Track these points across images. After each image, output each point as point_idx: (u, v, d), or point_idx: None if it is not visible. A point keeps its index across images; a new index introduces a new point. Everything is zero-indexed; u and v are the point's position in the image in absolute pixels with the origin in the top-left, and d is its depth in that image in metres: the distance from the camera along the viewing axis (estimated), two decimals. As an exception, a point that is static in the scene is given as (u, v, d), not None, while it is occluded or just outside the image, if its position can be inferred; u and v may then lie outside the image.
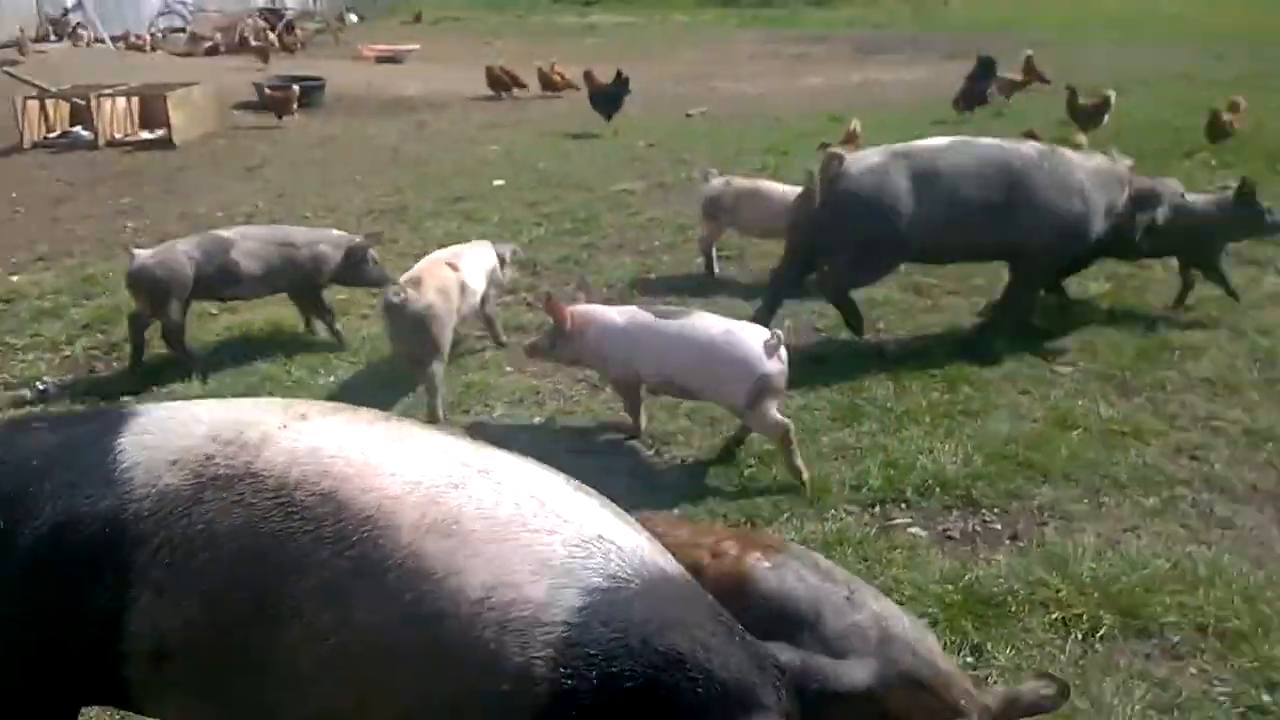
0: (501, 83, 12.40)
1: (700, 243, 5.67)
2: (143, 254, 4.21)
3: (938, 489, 3.31)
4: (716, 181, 5.51)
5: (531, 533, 1.46)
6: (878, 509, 3.25)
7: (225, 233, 4.52)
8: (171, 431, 1.60)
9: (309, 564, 1.44)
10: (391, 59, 16.20)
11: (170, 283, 4.13)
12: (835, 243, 4.38)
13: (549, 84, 12.25)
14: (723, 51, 17.09)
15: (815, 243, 4.47)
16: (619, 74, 10.09)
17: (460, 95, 12.47)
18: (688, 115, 11.03)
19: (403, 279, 3.91)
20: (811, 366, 4.21)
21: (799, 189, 4.87)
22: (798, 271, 4.59)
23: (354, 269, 4.55)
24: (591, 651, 1.38)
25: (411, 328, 3.70)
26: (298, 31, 18.44)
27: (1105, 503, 3.26)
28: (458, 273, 4.05)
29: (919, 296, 5.15)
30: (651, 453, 3.67)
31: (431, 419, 3.62)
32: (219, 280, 4.30)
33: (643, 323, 3.50)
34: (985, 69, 9.90)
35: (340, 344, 4.58)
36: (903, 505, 3.26)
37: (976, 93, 9.83)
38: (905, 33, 19.02)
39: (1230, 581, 2.76)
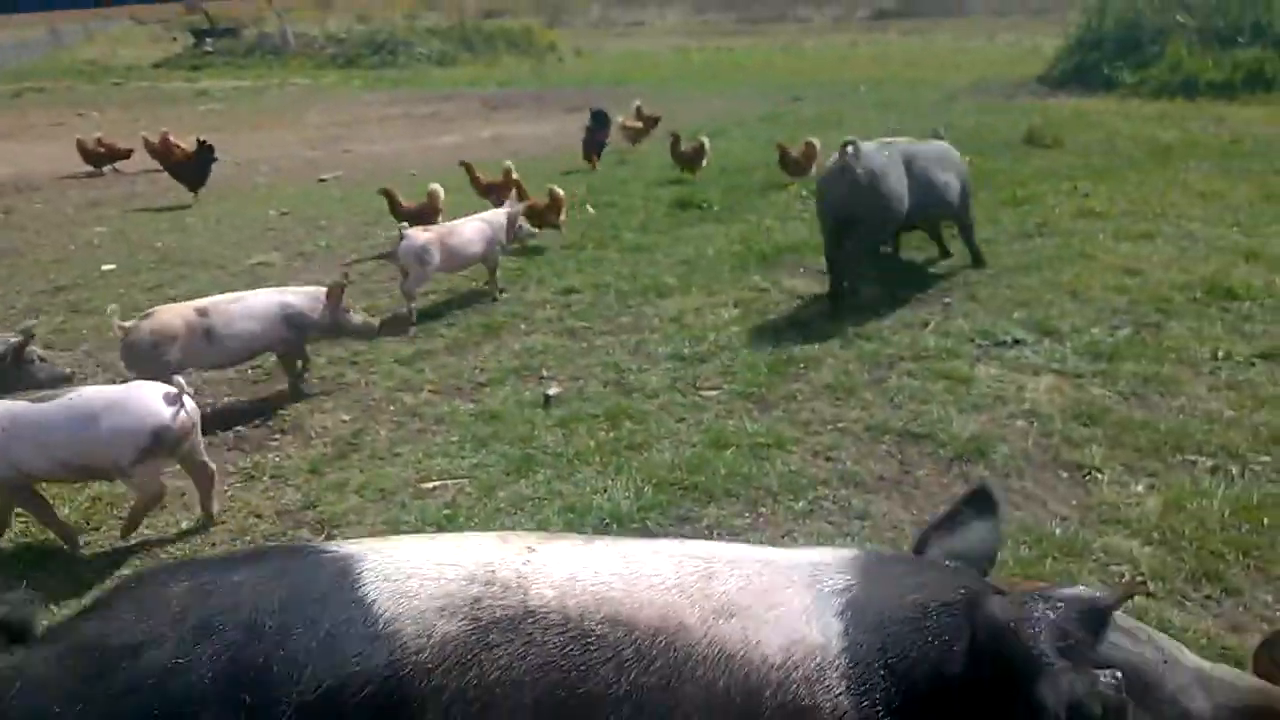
0: (97, 156, 11.13)
1: (408, 294, 5.68)
2: None
3: (615, 526, 3.42)
4: (414, 231, 5.73)
5: (783, 590, 1.50)
6: (562, 556, 3.27)
7: None
8: (420, 576, 1.44)
9: (617, 692, 1.39)
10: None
11: None
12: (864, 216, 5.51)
13: (162, 155, 11.18)
14: (351, 114, 16.72)
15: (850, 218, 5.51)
16: (201, 142, 9.52)
17: (53, 174, 11.06)
18: (321, 180, 10.62)
19: None
20: (480, 423, 4.22)
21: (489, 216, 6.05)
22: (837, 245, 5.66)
23: (19, 372, 3.89)
24: (867, 661, 1.44)
25: None
26: None
27: (763, 512, 3.55)
28: None
29: (574, 340, 5.32)
30: (323, 538, 3.43)
31: None
32: None
33: (13, 413, 3.15)
34: (599, 120, 10.61)
35: None
36: (585, 548, 3.31)
37: (596, 142, 10.45)
38: (528, 89, 19.81)
39: (872, 564, 3.10)
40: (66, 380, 4.05)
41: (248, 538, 3.42)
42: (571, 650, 1.40)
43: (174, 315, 4.25)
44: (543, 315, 5.73)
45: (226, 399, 4.69)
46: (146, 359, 4.07)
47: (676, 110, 14.96)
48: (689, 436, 4.12)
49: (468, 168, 7.82)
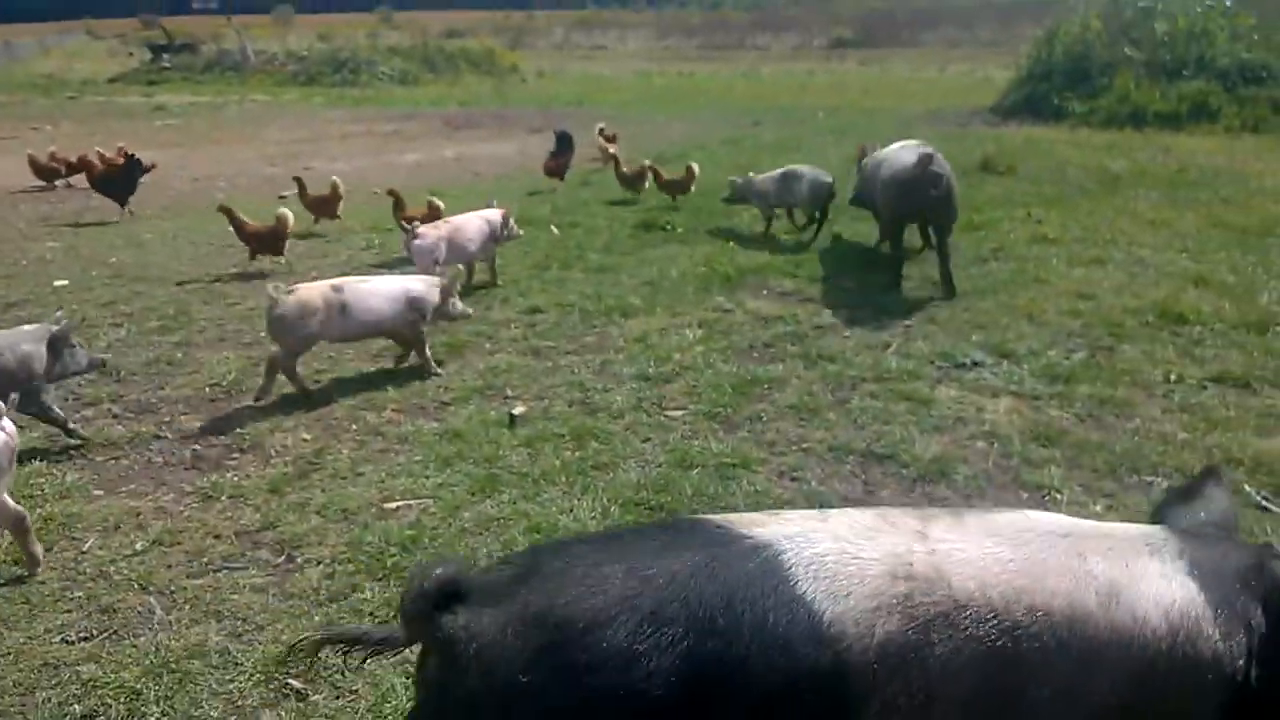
0: (50, 171, 10.89)
1: None
2: None
3: (582, 546, 3.39)
4: (425, 230, 6.15)
5: (1137, 560, 1.59)
6: (528, 577, 3.24)
7: None
8: (844, 574, 1.46)
9: (1041, 680, 1.45)
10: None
11: None
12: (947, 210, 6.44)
13: (86, 170, 10.92)
14: (312, 130, 16.58)
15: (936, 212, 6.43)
16: (129, 155, 9.41)
17: (4, 188, 10.83)
18: (281, 197, 10.46)
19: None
20: (444, 442, 4.18)
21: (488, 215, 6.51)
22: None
23: (59, 359, 4.12)
24: (1226, 612, 1.55)
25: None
26: None
27: (729, 531, 3.54)
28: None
29: (539, 359, 5.30)
30: (283, 559, 3.36)
31: None
32: None
33: None
34: (563, 142, 10.67)
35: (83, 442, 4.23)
36: (551, 568, 3.29)
37: (561, 164, 10.50)
38: (490, 108, 19.82)
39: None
40: (102, 366, 4.49)
41: (204, 559, 3.33)
42: (1003, 643, 1.44)
43: (315, 292, 4.75)
44: (507, 334, 5.70)
45: (183, 416, 4.58)
46: (292, 329, 4.62)
47: (639, 133, 15.09)
48: (655, 456, 4.12)
49: (394, 194, 7.75)
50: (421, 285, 5.07)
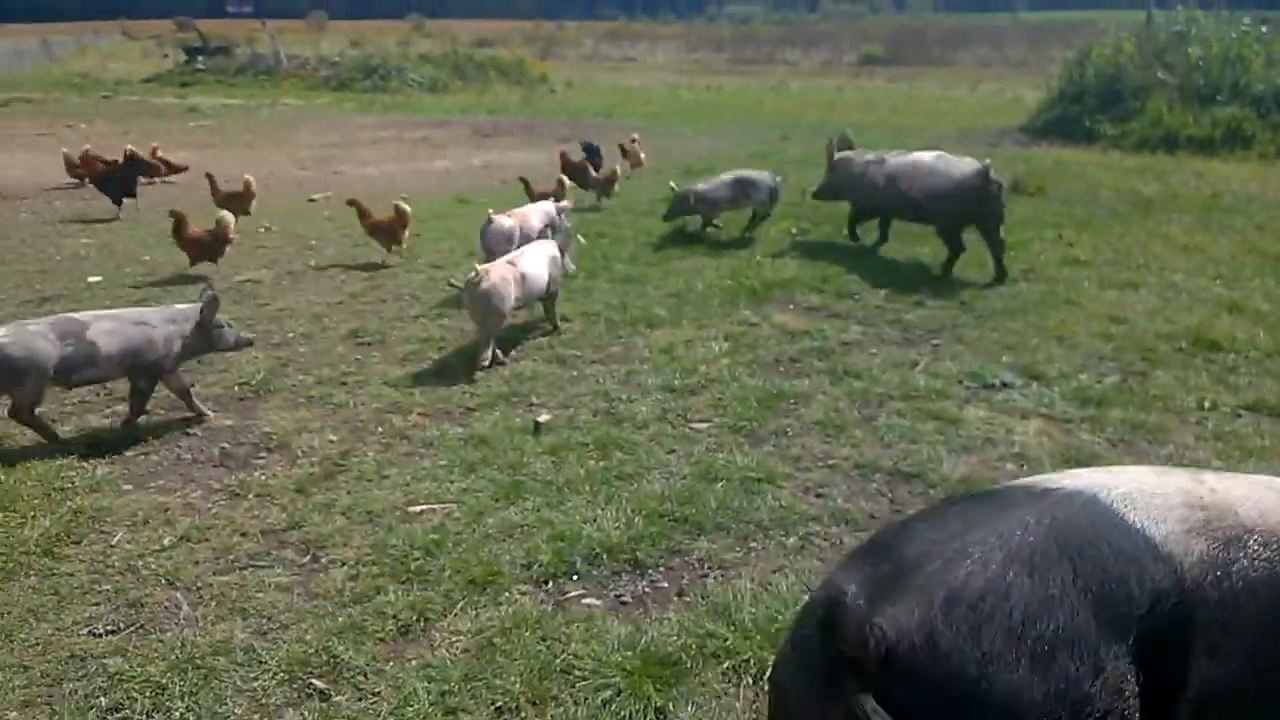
0: (83, 171, 11.00)
1: None
2: None
3: (605, 556, 3.38)
4: (498, 216, 6.58)
5: None
6: (550, 584, 3.24)
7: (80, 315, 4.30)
8: (1155, 505, 1.72)
9: None
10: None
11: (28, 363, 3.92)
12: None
13: (86, 169, 11.04)
14: (343, 135, 16.72)
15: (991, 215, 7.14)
16: (129, 154, 9.62)
17: (40, 185, 10.97)
18: (311, 200, 10.59)
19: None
20: (469, 448, 4.18)
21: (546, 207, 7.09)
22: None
23: (207, 335, 4.49)
24: None
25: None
26: None
27: (754, 547, 3.52)
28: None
29: (564, 368, 5.30)
30: (308, 559, 3.37)
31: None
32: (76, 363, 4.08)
33: None
34: (591, 152, 10.82)
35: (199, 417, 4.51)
36: (574, 577, 3.28)
37: (579, 172, 10.42)
38: (519, 118, 19.92)
39: (864, 602, 3.08)
40: (249, 344, 4.83)
41: (231, 556, 3.35)
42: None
43: (503, 268, 5.30)
44: (533, 342, 5.71)
45: (212, 414, 4.61)
46: (494, 304, 5.16)
47: (666, 146, 15.11)
48: (679, 468, 4.10)
49: (356, 204, 7.85)
50: (554, 248, 5.83)
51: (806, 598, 3.08)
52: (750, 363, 5.41)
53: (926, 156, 7.57)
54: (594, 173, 10.48)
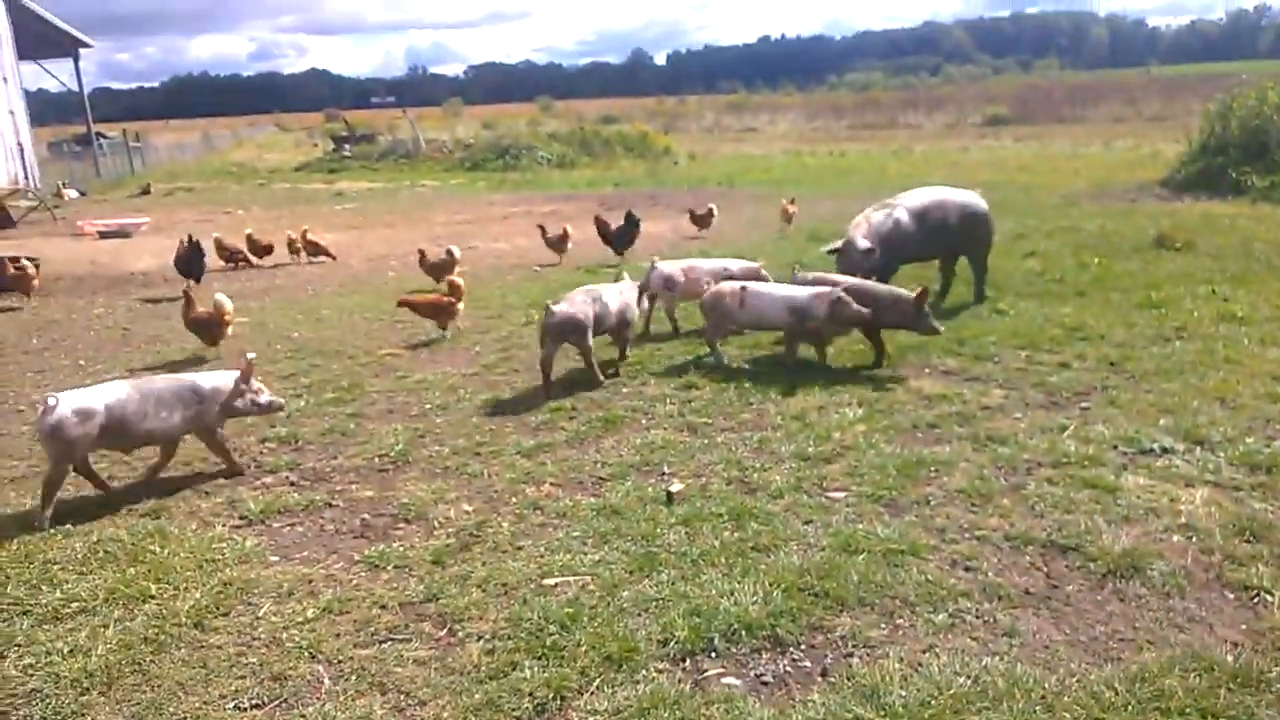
0: (233, 255, 11.81)
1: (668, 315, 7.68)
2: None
3: (744, 632, 3.26)
4: (663, 265, 7.46)
5: None
6: (688, 662, 3.14)
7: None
8: None
9: None
10: (118, 233, 15.17)
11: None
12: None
13: (301, 251, 11.86)
14: (475, 212, 17.43)
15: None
16: (190, 240, 10.43)
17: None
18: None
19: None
20: (602, 519, 4.16)
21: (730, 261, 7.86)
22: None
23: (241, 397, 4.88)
24: None
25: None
26: (8, 209, 16.93)
27: (900, 624, 3.34)
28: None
29: (695, 436, 5.25)
30: (445, 632, 3.38)
31: None
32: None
33: None
34: (630, 221, 11.61)
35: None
36: (712, 654, 3.18)
37: (622, 237, 11.54)
38: (643, 189, 20.34)
39: (1028, 691, 2.87)
40: (279, 409, 5.17)
41: (371, 629, 3.38)
42: None
43: (729, 289, 6.50)
44: (663, 410, 5.69)
45: (354, 485, 4.76)
46: (717, 316, 6.46)
47: (805, 209, 15.08)
48: (817, 539, 3.95)
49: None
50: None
51: (960, 680, 2.90)
52: (886, 429, 5.23)
53: (921, 199, 7.97)
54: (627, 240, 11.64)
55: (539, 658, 3.15)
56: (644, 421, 5.53)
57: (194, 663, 3.23)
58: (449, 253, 10.08)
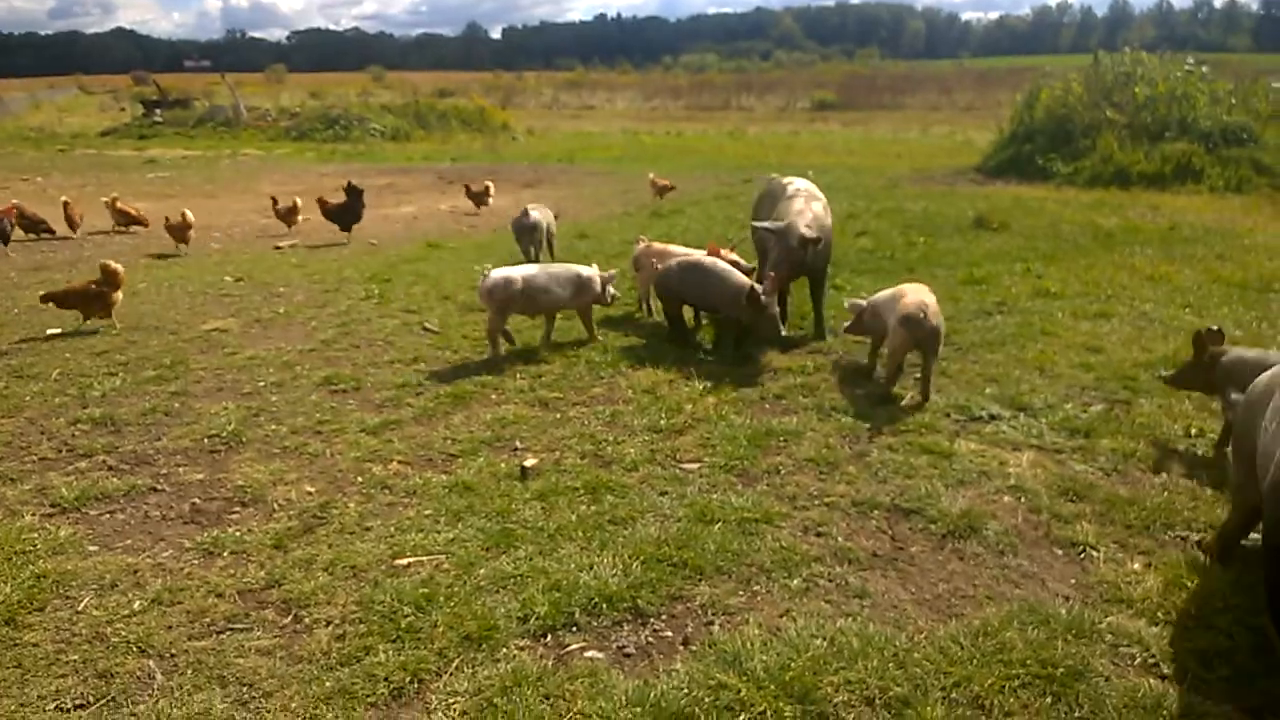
0: (35, 225, 10.67)
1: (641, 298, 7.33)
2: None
3: (604, 605, 3.22)
4: (643, 247, 7.25)
5: None
6: (549, 638, 3.07)
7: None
8: None
9: None
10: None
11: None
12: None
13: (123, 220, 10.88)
14: (305, 184, 16.53)
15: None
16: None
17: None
18: (277, 248, 10.39)
19: None
20: (454, 496, 4.02)
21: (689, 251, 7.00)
22: None
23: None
24: None
25: None
26: None
27: (757, 590, 3.38)
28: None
29: (547, 410, 5.16)
30: (290, 620, 3.16)
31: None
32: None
33: None
34: (353, 194, 10.90)
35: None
36: (574, 629, 3.12)
37: (349, 212, 10.84)
38: (482, 164, 19.91)
39: (881, 649, 2.96)
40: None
41: (206, 619, 3.13)
42: None
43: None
44: (513, 385, 5.56)
45: (181, 469, 4.39)
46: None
47: (632, 188, 15.15)
48: (673, 510, 3.96)
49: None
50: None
51: (816, 642, 2.97)
52: (735, 400, 5.30)
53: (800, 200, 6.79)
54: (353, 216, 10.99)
55: (393, 641, 3.00)
56: (494, 397, 5.39)
57: (7, 663, 2.91)
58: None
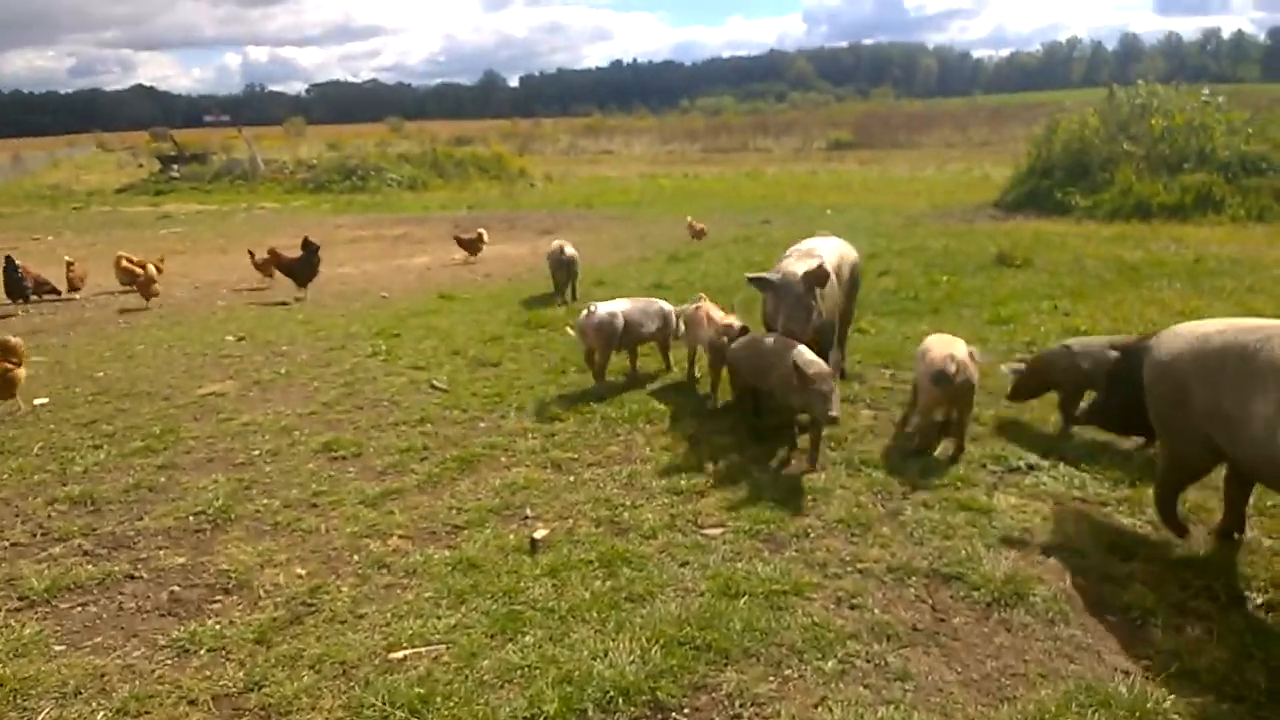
0: (38, 287, 10.49)
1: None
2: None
3: (620, 699, 2.90)
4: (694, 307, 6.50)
5: None
6: (560, 740, 2.75)
7: None
8: None
9: None
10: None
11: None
12: None
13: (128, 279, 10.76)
14: (320, 236, 16.36)
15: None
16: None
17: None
18: (283, 304, 10.22)
19: None
20: (457, 574, 3.72)
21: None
22: None
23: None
24: None
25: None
26: None
27: (788, 675, 3.06)
28: None
29: (560, 473, 4.86)
30: (270, 725, 2.86)
31: None
32: None
33: None
34: (309, 249, 10.59)
35: None
36: (587, 728, 2.80)
37: (306, 266, 10.50)
38: (499, 212, 19.85)
39: (928, 745, 2.63)
40: None
41: (178, 731, 2.83)
42: None
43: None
44: (524, 446, 5.26)
45: (162, 551, 4.09)
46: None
47: (650, 233, 15.00)
48: (695, 583, 3.64)
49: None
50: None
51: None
52: (759, 456, 5.00)
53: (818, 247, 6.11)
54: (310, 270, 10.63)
55: (386, 751, 2.69)
56: (504, 459, 5.09)
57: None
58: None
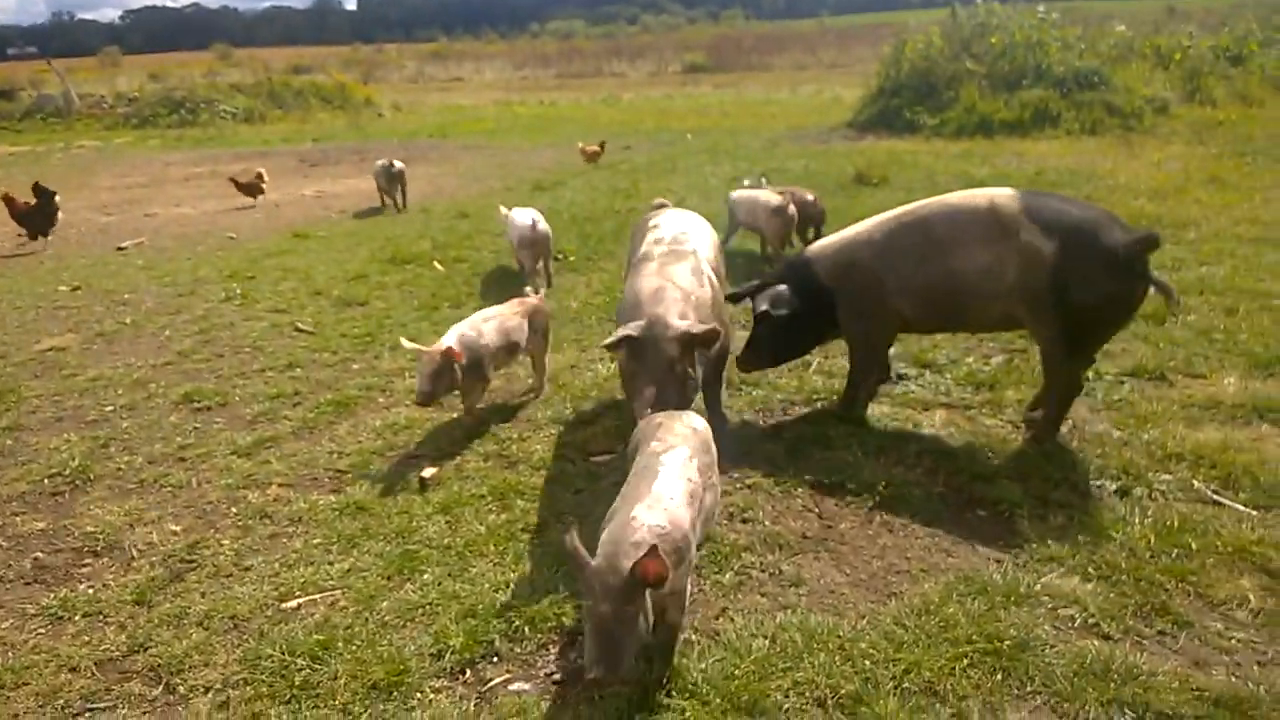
0: None
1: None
2: None
3: (527, 628, 2.91)
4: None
5: None
6: (468, 674, 2.75)
7: None
8: None
9: None
10: None
11: None
12: None
13: None
14: (150, 175, 15.35)
15: None
16: None
17: None
18: (120, 249, 9.50)
19: None
20: (346, 519, 3.61)
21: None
22: None
23: None
24: None
25: None
26: None
27: (688, 589, 3.13)
28: None
29: (441, 409, 4.76)
30: (161, 690, 2.73)
31: None
32: None
33: None
34: (43, 195, 9.76)
35: None
36: (495, 659, 2.80)
37: (40, 214, 9.69)
38: (347, 143, 18.95)
39: (825, 642, 2.77)
40: None
41: (60, 701, 2.66)
42: None
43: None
44: (402, 386, 5.12)
45: (18, 517, 3.81)
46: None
47: (510, 162, 14.65)
48: (591, 510, 3.66)
49: None
50: None
51: (758, 642, 2.75)
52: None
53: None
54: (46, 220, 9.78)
55: (287, 702, 2.61)
56: (381, 400, 4.95)
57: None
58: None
